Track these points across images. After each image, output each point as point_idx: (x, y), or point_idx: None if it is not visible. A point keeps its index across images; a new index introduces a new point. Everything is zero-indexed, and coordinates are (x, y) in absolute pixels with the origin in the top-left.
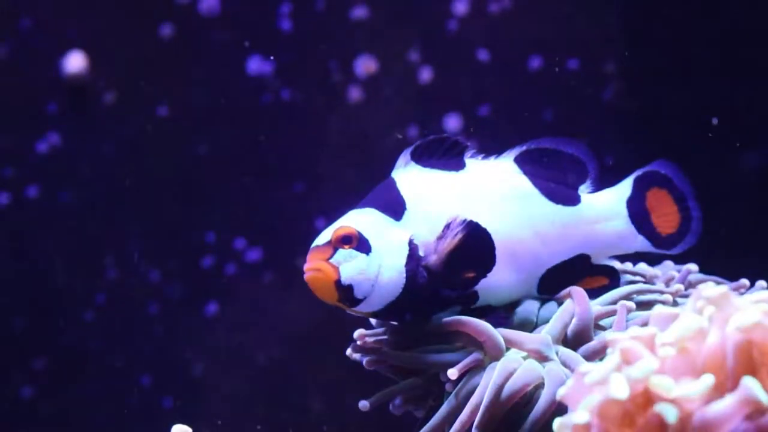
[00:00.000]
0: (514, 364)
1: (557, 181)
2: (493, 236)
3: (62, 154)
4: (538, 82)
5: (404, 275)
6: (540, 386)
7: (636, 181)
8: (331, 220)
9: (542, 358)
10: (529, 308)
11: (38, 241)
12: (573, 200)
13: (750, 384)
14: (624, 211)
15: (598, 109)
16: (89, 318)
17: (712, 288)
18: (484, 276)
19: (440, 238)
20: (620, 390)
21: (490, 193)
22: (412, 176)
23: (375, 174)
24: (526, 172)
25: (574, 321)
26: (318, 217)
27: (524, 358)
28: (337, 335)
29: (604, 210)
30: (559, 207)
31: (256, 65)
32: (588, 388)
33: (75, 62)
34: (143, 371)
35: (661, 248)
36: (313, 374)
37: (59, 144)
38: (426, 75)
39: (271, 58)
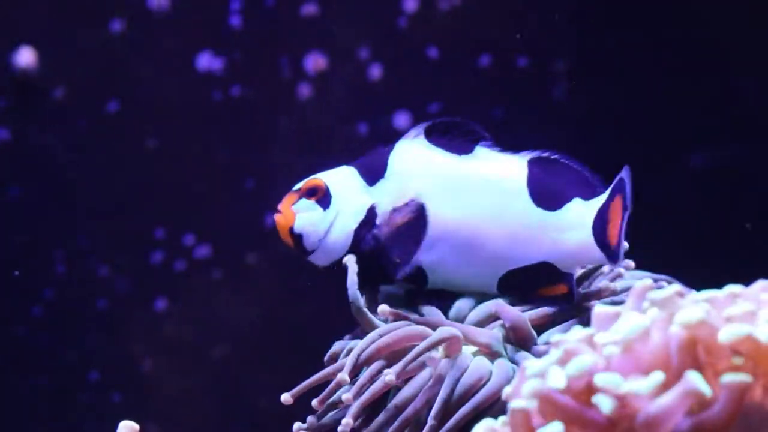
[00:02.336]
0: (466, 361)
1: (552, 186)
2: (458, 224)
3: (11, 149)
4: (488, 80)
5: (351, 238)
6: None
7: (611, 191)
8: None
9: (492, 354)
10: (462, 305)
11: None
12: (554, 206)
13: (692, 377)
14: (590, 222)
15: (547, 108)
16: (38, 313)
17: (657, 291)
18: (407, 263)
19: (395, 211)
20: (557, 380)
21: (477, 182)
22: (411, 149)
23: (323, 170)
24: (530, 171)
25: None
26: (268, 214)
27: (474, 354)
28: (287, 333)
29: (575, 219)
30: (538, 210)
31: (206, 61)
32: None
33: (25, 57)
34: (92, 367)
35: (612, 261)
36: (263, 371)
37: (8, 139)
38: (376, 72)
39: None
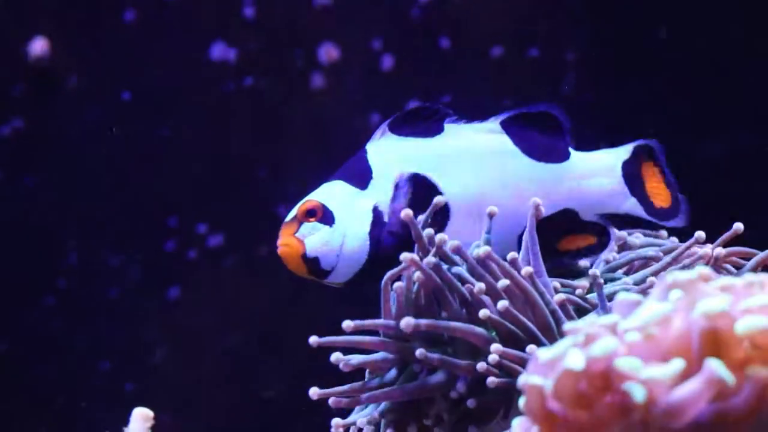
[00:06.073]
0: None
1: (543, 140)
2: (464, 194)
3: (25, 138)
4: (500, 71)
5: (368, 242)
6: None
7: (636, 148)
8: (292, 207)
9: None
10: None
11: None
12: (560, 157)
13: (714, 365)
14: (618, 170)
15: (557, 99)
16: (50, 302)
17: (680, 273)
18: (443, 229)
19: (393, 199)
20: (576, 361)
21: (464, 153)
22: (385, 146)
23: (335, 161)
24: (509, 133)
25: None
26: (279, 203)
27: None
28: (299, 322)
29: (596, 166)
30: (541, 164)
31: (219, 52)
32: (544, 366)
33: (38, 47)
34: (103, 356)
35: (653, 216)
36: (274, 361)
37: (22, 128)
38: (388, 63)
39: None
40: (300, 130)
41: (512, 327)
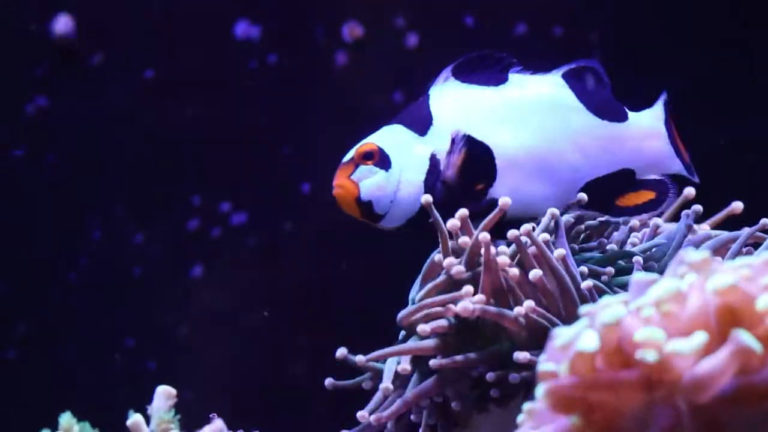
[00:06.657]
0: None
1: (606, 97)
2: (524, 152)
3: (49, 116)
4: (524, 49)
5: (422, 191)
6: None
7: (665, 105)
8: (316, 185)
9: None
10: None
11: (23, 202)
12: (621, 116)
13: (742, 334)
14: (664, 131)
15: None
16: (73, 280)
17: (693, 253)
18: (490, 186)
19: (449, 152)
20: (589, 341)
21: (528, 106)
22: (447, 92)
23: (359, 139)
24: (572, 87)
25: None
26: (303, 181)
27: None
28: (323, 300)
29: (650, 128)
30: (605, 122)
31: (243, 29)
32: (560, 351)
33: (62, 24)
34: (126, 334)
35: (690, 174)
36: (298, 338)
37: (46, 106)
38: (412, 40)
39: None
40: (324, 109)
41: (541, 321)
